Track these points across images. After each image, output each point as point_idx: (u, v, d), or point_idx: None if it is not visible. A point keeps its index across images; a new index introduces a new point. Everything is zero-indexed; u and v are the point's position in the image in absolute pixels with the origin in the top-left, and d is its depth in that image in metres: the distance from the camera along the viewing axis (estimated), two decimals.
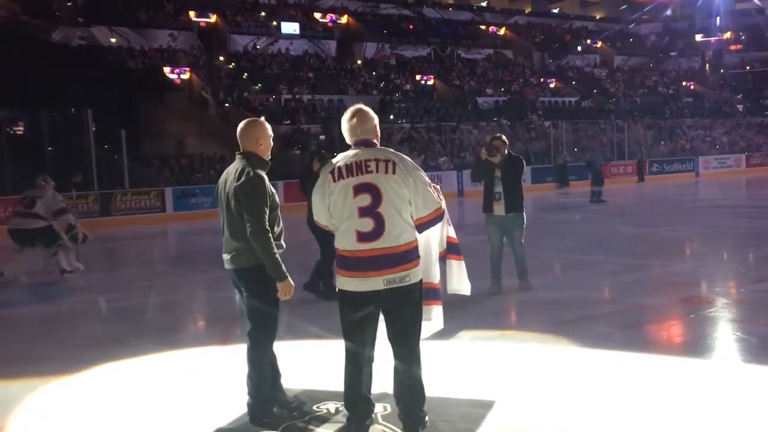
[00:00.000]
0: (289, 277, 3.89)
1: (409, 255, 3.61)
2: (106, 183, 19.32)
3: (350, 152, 3.67)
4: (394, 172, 3.56)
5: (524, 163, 7.81)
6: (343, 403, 3.83)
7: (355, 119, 3.70)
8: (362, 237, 3.54)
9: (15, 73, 19.41)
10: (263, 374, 4.04)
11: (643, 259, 9.92)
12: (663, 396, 4.37)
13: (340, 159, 3.65)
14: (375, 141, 3.73)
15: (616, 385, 4.62)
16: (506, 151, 7.50)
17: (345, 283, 3.64)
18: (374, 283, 3.55)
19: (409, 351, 3.70)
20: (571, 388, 4.56)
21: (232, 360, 5.28)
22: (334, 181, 3.59)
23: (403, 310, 3.65)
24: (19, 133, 21.86)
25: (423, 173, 3.67)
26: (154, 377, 5.24)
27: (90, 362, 5.51)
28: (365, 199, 3.53)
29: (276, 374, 4.15)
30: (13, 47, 21.61)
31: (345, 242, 3.60)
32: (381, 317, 3.73)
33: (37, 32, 27.21)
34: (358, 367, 3.67)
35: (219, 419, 4.16)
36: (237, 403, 4.22)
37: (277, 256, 3.86)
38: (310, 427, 3.99)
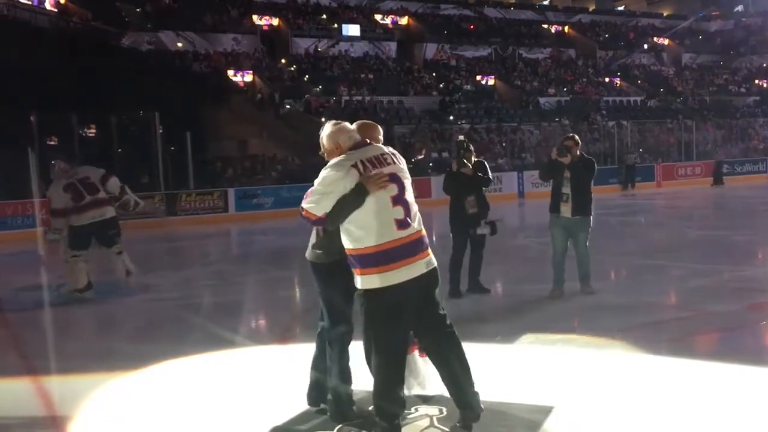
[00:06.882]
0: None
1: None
2: (172, 184, 19.83)
3: (359, 149, 3.67)
4: (401, 163, 3.76)
5: (596, 165, 7.59)
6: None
7: (349, 126, 3.83)
8: (400, 224, 3.62)
9: (87, 77, 20.09)
10: (339, 371, 4.01)
11: (711, 264, 9.58)
12: (730, 406, 4.20)
13: (354, 155, 3.63)
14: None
15: (681, 393, 4.46)
16: (578, 152, 7.30)
17: (391, 277, 3.56)
18: (419, 266, 3.63)
19: (454, 335, 3.78)
20: (633, 396, 4.42)
21: (290, 358, 5.35)
22: (360, 175, 3.59)
23: (437, 293, 3.77)
24: (90, 135, 22.58)
25: None
26: (215, 374, 5.33)
27: (153, 359, 5.64)
28: (393, 189, 3.62)
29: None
30: (86, 52, 22.38)
31: (387, 234, 3.57)
32: None
33: (107, 38, 28.14)
34: (400, 365, 3.70)
35: (276, 417, 4.19)
36: (294, 401, 4.26)
37: None
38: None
